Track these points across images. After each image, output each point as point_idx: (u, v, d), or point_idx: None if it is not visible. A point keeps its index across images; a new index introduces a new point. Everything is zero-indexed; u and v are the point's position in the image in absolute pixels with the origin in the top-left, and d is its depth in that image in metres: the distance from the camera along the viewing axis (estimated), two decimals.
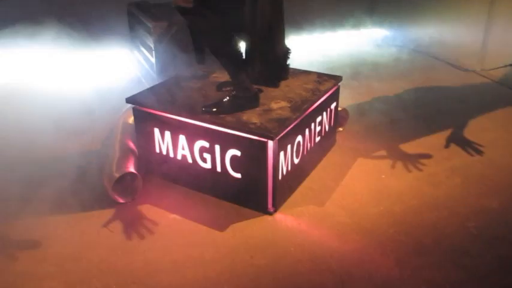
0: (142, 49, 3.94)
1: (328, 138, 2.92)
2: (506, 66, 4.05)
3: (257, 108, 2.44)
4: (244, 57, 2.46)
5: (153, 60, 3.58)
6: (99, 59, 4.30)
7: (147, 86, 3.16)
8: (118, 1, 4.28)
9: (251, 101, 2.45)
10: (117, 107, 3.06)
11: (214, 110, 2.38)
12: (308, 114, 2.52)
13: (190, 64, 3.09)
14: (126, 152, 2.60)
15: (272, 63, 2.62)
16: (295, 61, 2.86)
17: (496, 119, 3.46)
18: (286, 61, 2.73)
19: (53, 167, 2.76)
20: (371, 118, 3.43)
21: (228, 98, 2.42)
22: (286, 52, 2.70)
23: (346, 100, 3.21)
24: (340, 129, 3.20)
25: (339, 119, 3.11)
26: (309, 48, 5.00)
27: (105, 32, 4.22)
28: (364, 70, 4.42)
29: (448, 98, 3.88)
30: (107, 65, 4.30)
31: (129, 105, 2.74)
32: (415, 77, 4.26)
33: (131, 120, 2.77)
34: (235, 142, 2.30)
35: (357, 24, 5.52)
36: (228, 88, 2.56)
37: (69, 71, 4.08)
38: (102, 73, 4.17)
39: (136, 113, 2.62)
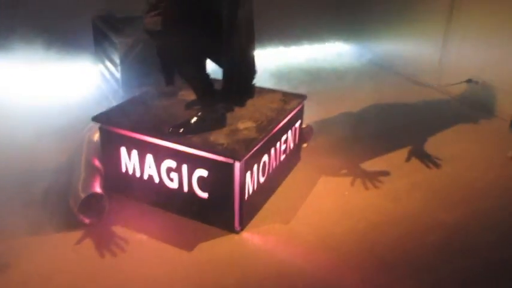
0: (108, 64, 3.90)
1: (293, 155, 2.98)
2: (461, 82, 4.21)
3: (224, 129, 2.47)
4: (211, 78, 2.49)
5: (118, 75, 3.56)
6: (63, 73, 4.23)
7: (112, 101, 3.14)
8: (82, 14, 4.22)
9: (218, 122, 2.48)
10: (82, 123, 3.02)
11: (181, 130, 2.40)
12: (274, 133, 2.57)
13: (157, 81, 3.09)
14: (91, 171, 2.57)
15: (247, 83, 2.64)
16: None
17: (454, 135, 3.61)
18: (252, 80, 2.76)
19: (19, 184, 2.71)
20: (333, 134, 3.50)
21: (195, 118, 2.44)
22: (253, 71, 2.73)
23: (308, 116, 3.26)
24: (305, 145, 3.26)
25: (304, 135, 3.17)
26: (273, 61, 5.07)
27: (69, 46, 4.15)
28: (325, 85, 4.51)
29: (408, 113, 4.01)
30: (71, 79, 4.24)
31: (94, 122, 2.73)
32: (377, 92, 4.36)
33: (96, 137, 2.74)
34: (202, 163, 2.32)
35: (319, 38, 5.63)
36: (196, 107, 2.58)
37: (32, 85, 4.01)
38: (66, 88, 4.11)
39: (103, 132, 2.61)
